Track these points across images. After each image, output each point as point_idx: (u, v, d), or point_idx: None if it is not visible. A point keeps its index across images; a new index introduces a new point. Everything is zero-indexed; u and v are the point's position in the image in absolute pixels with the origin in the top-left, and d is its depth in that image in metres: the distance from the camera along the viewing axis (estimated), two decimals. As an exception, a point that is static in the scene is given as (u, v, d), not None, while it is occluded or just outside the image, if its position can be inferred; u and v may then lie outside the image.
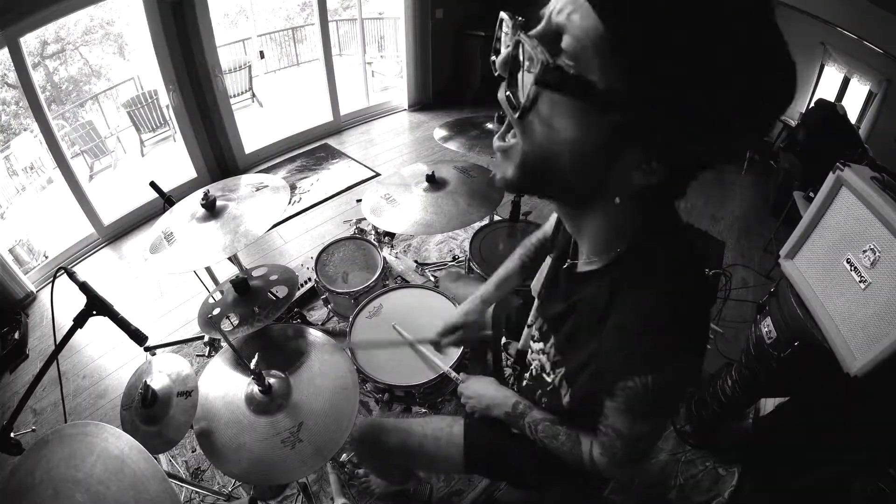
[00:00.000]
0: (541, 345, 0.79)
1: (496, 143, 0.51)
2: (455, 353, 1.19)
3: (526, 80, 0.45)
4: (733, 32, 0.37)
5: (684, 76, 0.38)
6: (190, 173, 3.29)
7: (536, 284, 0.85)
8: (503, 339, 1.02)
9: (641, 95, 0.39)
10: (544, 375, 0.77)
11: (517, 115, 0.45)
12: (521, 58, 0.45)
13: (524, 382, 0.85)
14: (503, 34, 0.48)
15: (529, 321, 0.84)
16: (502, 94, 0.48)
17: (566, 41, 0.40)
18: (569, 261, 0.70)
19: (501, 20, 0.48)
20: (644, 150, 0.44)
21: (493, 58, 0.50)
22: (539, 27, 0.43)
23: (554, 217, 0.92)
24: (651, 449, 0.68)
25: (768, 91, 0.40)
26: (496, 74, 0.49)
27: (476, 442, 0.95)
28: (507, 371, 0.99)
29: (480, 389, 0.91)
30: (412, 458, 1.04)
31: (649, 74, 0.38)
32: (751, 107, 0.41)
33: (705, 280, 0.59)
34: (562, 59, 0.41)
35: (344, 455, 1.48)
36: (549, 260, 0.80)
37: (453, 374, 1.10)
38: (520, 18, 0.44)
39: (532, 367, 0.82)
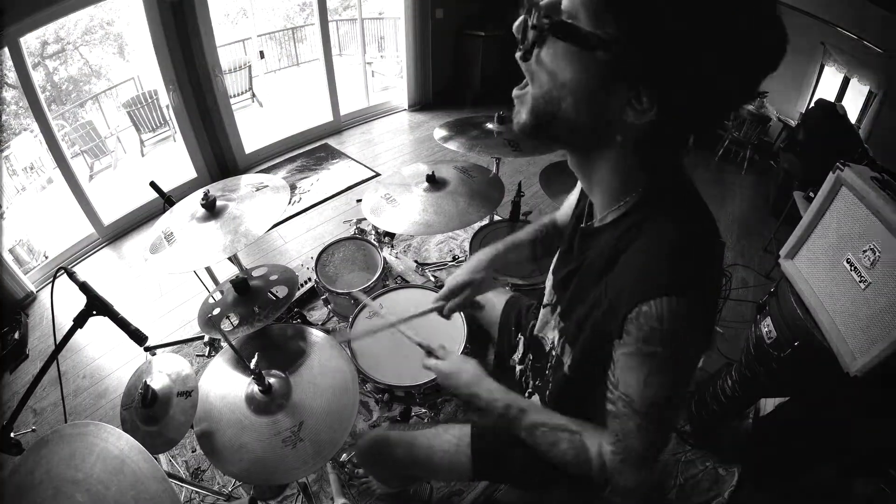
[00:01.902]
0: (552, 321, 0.78)
1: (514, 92, 0.58)
2: (457, 350, 1.18)
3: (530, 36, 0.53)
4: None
5: (662, 23, 0.44)
6: (190, 173, 3.29)
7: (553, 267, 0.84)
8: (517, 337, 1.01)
9: (624, 37, 0.46)
10: (553, 353, 0.75)
11: (521, 56, 0.54)
12: (529, 21, 0.52)
13: (546, 369, 0.82)
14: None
15: (545, 300, 0.83)
16: (518, 53, 0.56)
17: (565, 3, 0.49)
18: (582, 226, 0.71)
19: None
20: (632, 86, 0.49)
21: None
22: None
23: (573, 196, 0.92)
24: (666, 439, 0.63)
25: (749, 46, 0.45)
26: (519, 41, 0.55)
27: (485, 450, 0.92)
28: (518, 370, 0.98)
29: (462, 381, 0.81)
30: (418, 469, 1.02)
31: (632, 21, 0.45)
32: (731, 58, 0.46)
33: (717, 233, 0.59)
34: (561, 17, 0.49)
35: (344, 455, 1.48)
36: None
37: (433, 348, 0.91)
38: None
39: (553, 349, 0.78)
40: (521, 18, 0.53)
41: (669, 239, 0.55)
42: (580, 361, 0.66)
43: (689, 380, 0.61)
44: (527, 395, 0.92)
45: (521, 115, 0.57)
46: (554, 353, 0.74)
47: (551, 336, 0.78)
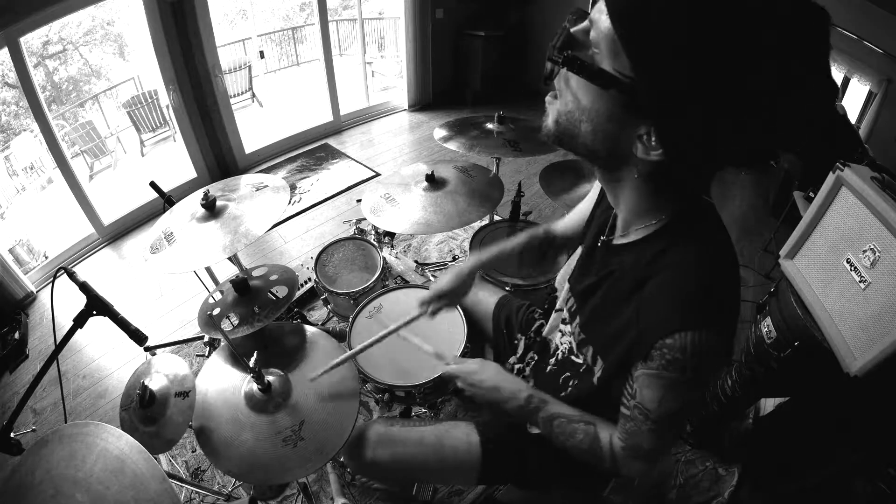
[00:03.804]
0: (569, 326, 0.79)
1: (547, 97, 0.62)
2: (456, 351, 1.19)
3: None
4: (728, 48, 0.44)
5: (671, 75, 0.46)
6: (190, 173, 3.29)
7: (562, 279, 0.85)
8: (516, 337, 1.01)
9: (637, 79, 0.48)
10: (573, 357, 0.77)
11: (544, 80, 0.59)
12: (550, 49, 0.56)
13: (548, 368, 0.85)
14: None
15: (559, 305, 0.85)
16: (549, 65, 0.59)
17: (592, 34, 0.51)
18: (604, 237, 0.72)
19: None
20: (643, 124, 0.51)
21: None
22: (583, 22, 0.54)
23: (590, 197, 0.94)
24: (674, 439, 0.67)
25: (759, 103, 0.46)
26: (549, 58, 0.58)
27: (495, 453, 0.92)
28: (516, 369, 0.98)
29: (488, 379, 0.83)
30: (422, 476, 1.03)
31: (646, 65, 0.47)
32: (741, 115, 0.47)
33: (737, 262, 0.62)
34: (588, 50, 0.52)
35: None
36: (579, 250, 0.82)
37: (446, 356, 0.96)
38: (579, 10, 0.57)
39: (559, 350, 0.81)
40: (557, 40, 0.57)
41: (694, 273, 0.57)
42: (611, 373, 0.69)
43: (703, 395, 0.65)
44: None
45: (548, 122, 0.61)
46: (577, 360, 0.76)
47: (566, 341, 0.80)
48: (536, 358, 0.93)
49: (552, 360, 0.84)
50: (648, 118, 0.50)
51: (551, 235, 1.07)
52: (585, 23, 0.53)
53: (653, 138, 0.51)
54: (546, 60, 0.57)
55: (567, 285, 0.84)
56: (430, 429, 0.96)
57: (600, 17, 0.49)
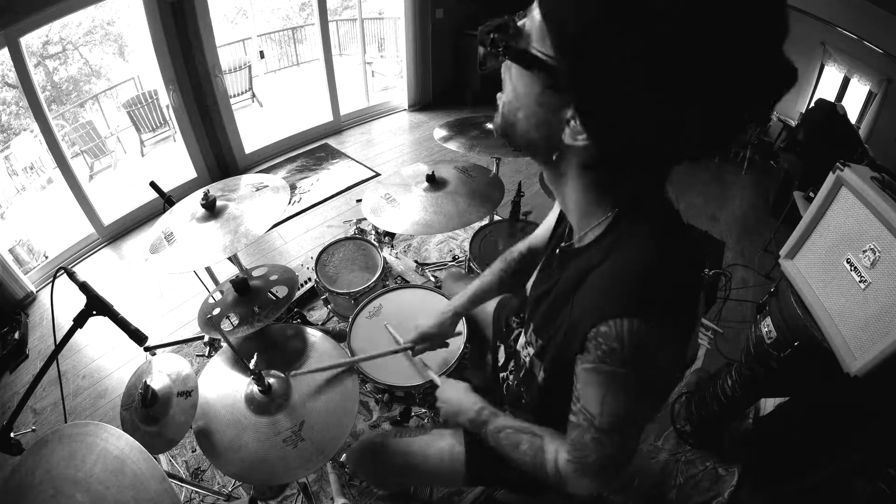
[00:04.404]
0: (524, 337, 0.79)
1: (498, 94, 0.61)
2: (454, 355, 1.19)
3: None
4: (635, 35, 0.42)
5: (587, 51, 0.45)
6: (190, 173, 3.29)
7: (530, 282, 0.85)
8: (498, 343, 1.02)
9: (561, 61, 0.48)
10: (533, 367, 0.76)
11: (479, 66, 0.57)
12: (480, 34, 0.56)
13: (514, 384, 0.85)
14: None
15: (526, 316, 0.84)
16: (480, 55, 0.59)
17: (527, 22, 0.52)
18: (564, 244, 0.71)
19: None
20: (569, 108, 0.50)
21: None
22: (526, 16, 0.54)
23: (551, 217, 0.93)
24: (625, 454, 0.61)
25: (689, 86, 0.43)
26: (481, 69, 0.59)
27: (479, 457, 0.92)
28: (501, 377, 0.99)
29: (452, 395, 0.89)
30: (413, 477, 1.04)
31: (563, 45, 0.47)
32: (676, 95, 0.44)
33: (695, 254, 0.60)
34: (520, 38, 0.52)
35: (344, 455, 1.48)
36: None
37: (433, 376, 1.06)
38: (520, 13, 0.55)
39: (522, 362, 0.81)
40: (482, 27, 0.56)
41: (638, 261, 0.54)
42: (551, 374, 0.68)
43: (653, 401, 0.64)
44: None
45: (497, 118, 0.61)
46: (526, 365, 0.76)
47: (526, 351, 0.80)
48: (513, 368, 0.93)
49: (515, 375, 0.84)
50: (572, 100, 0.49)
51: (529, 251, 1.06)
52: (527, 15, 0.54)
53: (577, 120, 0.50)
54: (477, 45, 0.57)
55: (530, 294, 0.84)
56: (417, 439, 0.99)
57: (534, 4, 0.50)
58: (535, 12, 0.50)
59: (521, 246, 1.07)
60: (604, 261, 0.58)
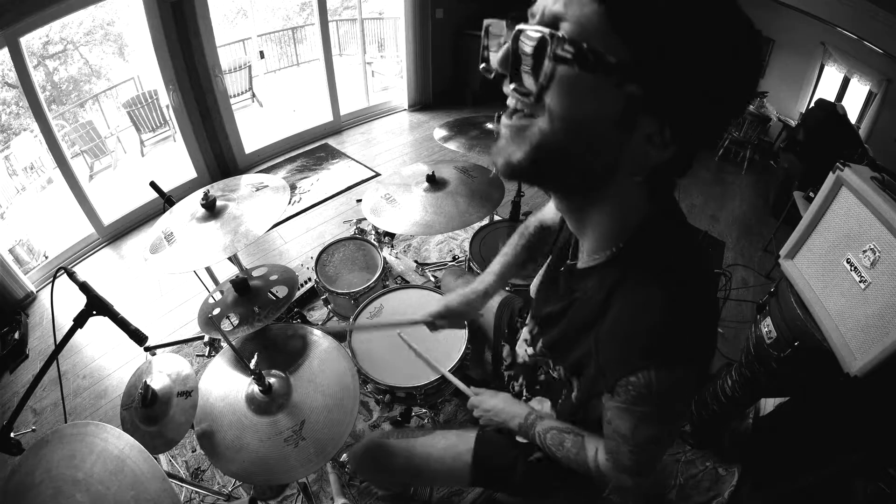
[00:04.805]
0: (531, 349, 0.80)
1: (505, 120, 0.50)
2: (455, 356, 1.18)
3: (526, 67, 0.46)
4: (717, 9, 0.41)
5: (680, 45, 0.40)
6: (190, 173, 3.29)
7: (534, 286, 0.85)
8: (502, 342, 1.02)
9: (645, 65, 0.41)
10: (553, 373, 0.77)
11: (534, 98, 0.45)
12: (520, 50, 0.45)
13: (537, 385, 0.86)
14: (491, 39, 0.51)
15: (527, 322, 0.85)
16: (508, 88, 0.47)
17: (565, 27, 0.42)
18: (568, 262, 0.69)
19: (487, 27, 0.51)
20: (657, 120, 0.45)
21: (483, 65, 0.52)
22: (535, 20, 0.45)
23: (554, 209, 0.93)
24: (658, 459, 0.66)
25: (746, 62, 0.44)
26: (492, 77, 0.51)
27: (483, 458, 0.94)
28: (507, 376, 0.99)
29: (497, 403, 0.91)
30: (416, 478, 1.03)
31: (648, 46, 0.40)
32: (737, 76, 0.44)
33: (711, 276, 0.59)
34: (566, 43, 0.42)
35: (344, 455, 1.48)
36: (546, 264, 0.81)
37: (464, 387, 1.06)
38: (512, 15, 0.47)
39: (522, 360, 0.83)
40: (505, 49, 0.47)
41: (655, 305, 0.53)
42: (587, 394, 0.69)
43: (679, 422, 0.65)
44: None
45: (516, 154, 0.49)
46: (554, 375, 0.77)
47: (525, 350, 0.82)
48: (512, 374, 0.96)
49: (542, 378, 0.85)
50: (655, 107, 0.43)
51: (542, 226, 1.03)
52: (536, 19, 0.45)
53: (666, 132, 0.45)
54: (510, 83, 0.47)
55: (534, 303, 0.84)
56: (419, 440, 0.99)
57: (568, 6, 0.42)
58: (586, 9, 0.41)
59: (533, 220, 1.04)
60: (619, 298, 0.56)
